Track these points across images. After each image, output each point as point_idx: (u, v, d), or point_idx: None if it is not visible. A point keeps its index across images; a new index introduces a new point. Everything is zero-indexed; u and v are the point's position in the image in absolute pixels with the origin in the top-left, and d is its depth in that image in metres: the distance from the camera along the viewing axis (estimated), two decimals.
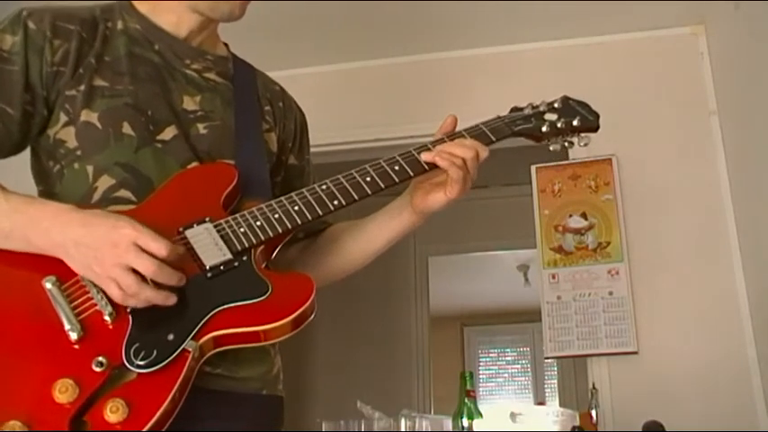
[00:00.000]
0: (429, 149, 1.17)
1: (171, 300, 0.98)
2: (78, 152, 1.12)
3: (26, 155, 1.20)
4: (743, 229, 2.85)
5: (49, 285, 0.96)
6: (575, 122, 1.26)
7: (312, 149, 1.43)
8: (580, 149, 3.09)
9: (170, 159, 1.14)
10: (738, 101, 2.89)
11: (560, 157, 3.17)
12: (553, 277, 3.00)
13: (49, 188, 1.17)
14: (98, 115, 1.13)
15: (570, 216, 3.06)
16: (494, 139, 1.22)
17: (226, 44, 1.35)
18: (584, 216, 3.04)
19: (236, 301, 1.01)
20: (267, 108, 1.32)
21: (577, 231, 3.03)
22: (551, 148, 1.29)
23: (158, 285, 0.98)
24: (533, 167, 3.17)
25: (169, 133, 1.16)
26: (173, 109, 1.18)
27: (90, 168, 1.12)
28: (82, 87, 1.14)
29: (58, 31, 1.15)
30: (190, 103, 1.20)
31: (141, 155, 1.13)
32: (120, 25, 1.22)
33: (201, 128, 1.20)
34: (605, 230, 2.99)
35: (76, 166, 1.12)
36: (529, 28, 3.18)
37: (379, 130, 3.22)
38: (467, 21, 3.12)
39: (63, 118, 1.13)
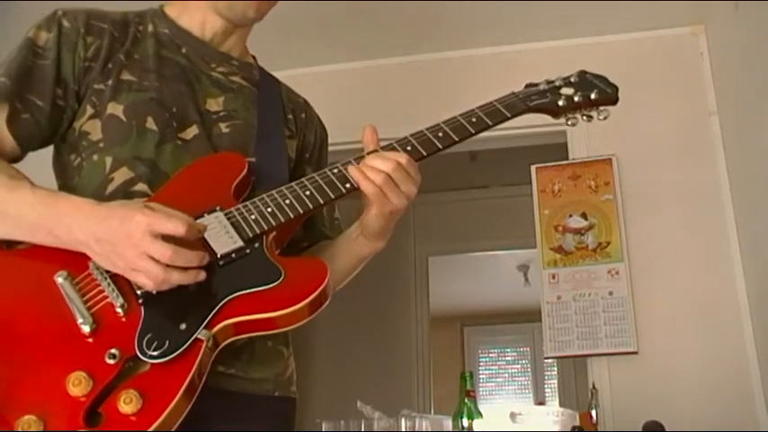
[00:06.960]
0: (353, 164, 1.12)
1: (201, 276, 0.98)
2: (101, 144, 1.14)
3: (46, 153, 1.21)
4: (743, 229, 2.85)
5: (60, 280, 0.96)
6: (592, 95, 1.23)
7: None
8: (580, 149, 3.12)
9: (190, 157, 1.15)
10: (738, 101, 2.89)
11: (560, 156, 3.18)
12: (553, 277, 3.00)
13: (67, 181, 1.18)
14: (123, 108, 1.15)
15: (570, 216, 3.06)
16: (509, 115, 1.19)
17: (254, 56, 1.37)
18: (584, 216, 3.04)
19: (249, 288, 1.00)
20: (290, 117, 1.33)
21: (577, 231, 3.03)
22: (569, 123, 1.25)
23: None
24: (533, 167, 3.18)
25: (191, 133, 1.17)
26: (197, 109, 1.20)
27: (109, 160, 1.13)
28: (110, 81, 1.16)
29: (92, 28, 1.19)
30: (213, 105, 1.22)
31: (162, 150, 1.14)
32: (150, 28, 1.25)
33: (224, 127, 1.21)
34: (605, 230, 2.99)
35: (95, 157, 1.14)
36: (529, 28, 3.19)
37: (378, 130, 3.21)
38: (467, 21, 3.12)
39: (89, 110, 1.15)
